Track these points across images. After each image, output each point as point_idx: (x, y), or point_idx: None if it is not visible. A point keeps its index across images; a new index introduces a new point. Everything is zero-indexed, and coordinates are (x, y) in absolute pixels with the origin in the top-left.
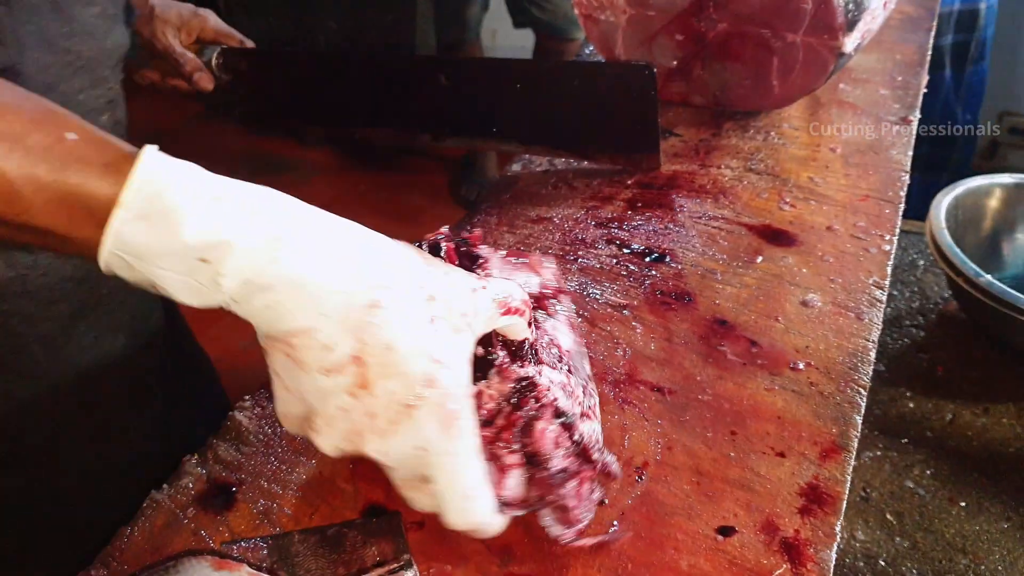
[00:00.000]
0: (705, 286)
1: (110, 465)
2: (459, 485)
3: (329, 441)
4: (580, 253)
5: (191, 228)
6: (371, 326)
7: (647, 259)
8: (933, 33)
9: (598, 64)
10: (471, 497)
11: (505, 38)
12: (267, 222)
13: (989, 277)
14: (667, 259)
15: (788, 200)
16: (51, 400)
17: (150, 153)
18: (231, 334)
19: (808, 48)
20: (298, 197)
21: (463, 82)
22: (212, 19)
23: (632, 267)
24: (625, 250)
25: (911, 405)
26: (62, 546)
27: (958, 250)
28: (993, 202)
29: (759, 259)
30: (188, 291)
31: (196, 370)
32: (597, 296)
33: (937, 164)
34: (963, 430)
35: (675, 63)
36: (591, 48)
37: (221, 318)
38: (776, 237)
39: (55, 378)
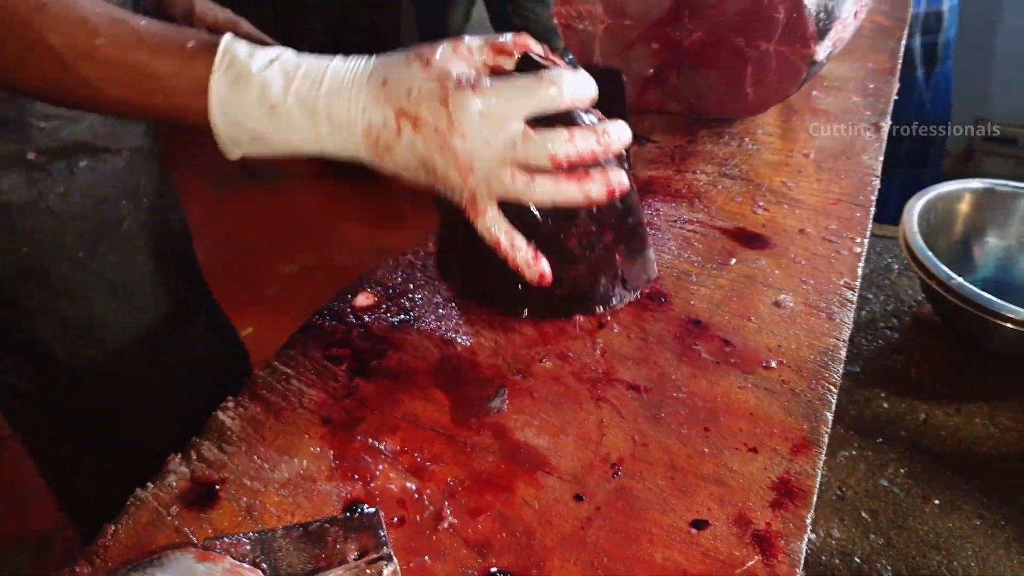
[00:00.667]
0: (680, 287)
1: (168, 377)
2: (513, 93)
3: (446, 170)
4: None
5: (260, 85)
6: (389, 90)
7: None
8: (904, 41)
9: None
10: (542, 87)
11: None
12: (303, 68)
13: (960, 280)
14: None
15: (762, 204)
16: (86, 315)
17: (226, 40)
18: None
19: (781, 56)
20: (283, 204)
21: None
22: (245, 25)
23: None
24: None
25: (885, 405)
26: (136, 458)
27: (930, 254)
28: (964, 206)
29: (733, 261)
30: (279, 135)
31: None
32: None
33: (917, 160)
34: (936, 430)
35: (651, 71)
36: (570, 57)
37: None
38: (749, 240)
39: (86, 291)
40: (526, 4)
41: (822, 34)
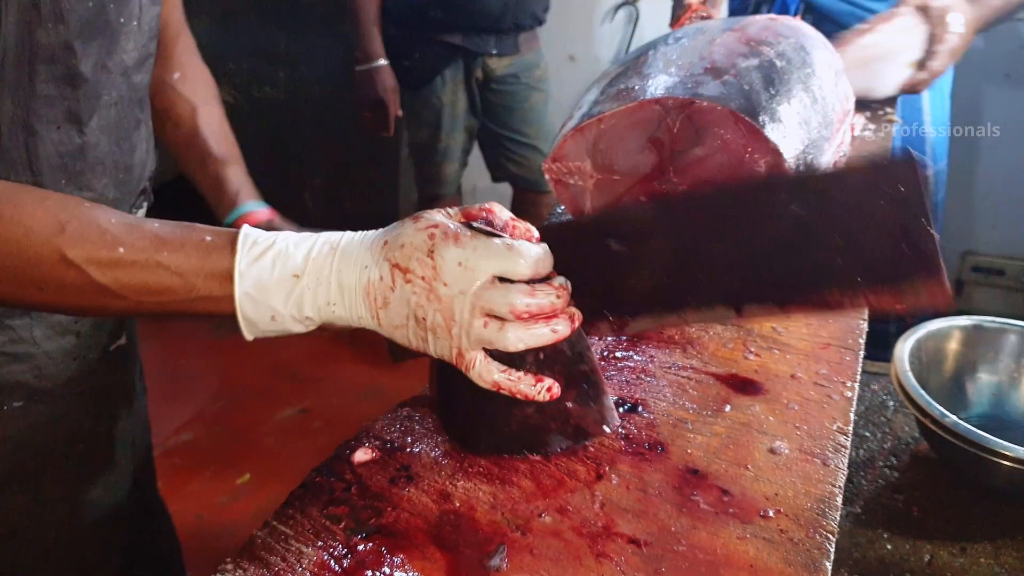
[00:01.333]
0: (677, 435)
1: None
2: (486, 253)
3: (432, 318)
4: None
5: (283, 258)
6: (387, 248)
7: (621, 410)
8: None
9: (829, 173)
10: (510, 252)
11: (484, 193)
12: (319, 243)
13: (954, 418)
14: (640, 409)
15: (753, 350)
16: None
17: (244, 228)
18: (211, 488)
19: None
20: (280, 349)
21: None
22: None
23: None
24: None
25: (889, 547)
26: None
27: (923, 392)
28: (953, 344)
29: (727, 408)
30: (295, 308)
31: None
32: (573, 447)
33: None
34: (942, 571)
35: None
36: (562, 207)
37: (199, 473)
38: (743, 386)
39: None
40: (519, 151)
41: None
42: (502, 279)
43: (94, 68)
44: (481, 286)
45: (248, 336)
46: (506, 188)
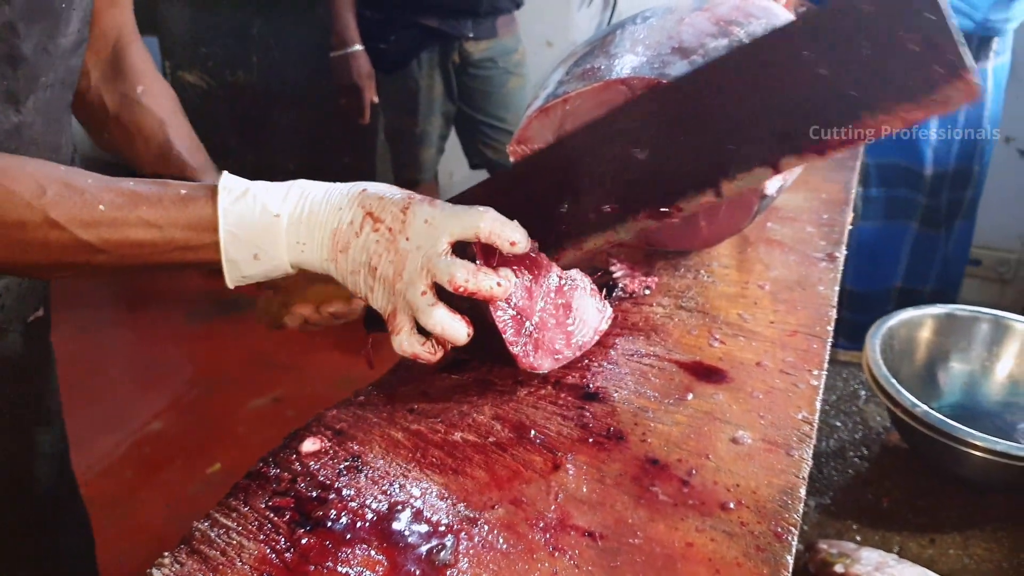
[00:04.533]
0: (637, 424)
1: None
2: (453, 215)
3: (385, 269)
4: (520, 393)
5: (263, 197)
6: (365, 195)
7: (581, 397)
8: (856, 175)
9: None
10: (474, 216)
11: (462, 179)
12: (294, 187)
13: (925, 407)
14: (599, 397)
15: (718, 337)
16: None
17: (225, 174)
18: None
19: None
20: (255, 336)
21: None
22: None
23: (567, 408)
24: (562, 391)
25: (859, 538)
26: None
27: (894, 381)
28: (925, 333)
29: (690, 396)
30: (274, 246)
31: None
32: (531, 438)
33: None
34: (911, 562)
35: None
36: None
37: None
38: (707, 374)
39: None
40: (497, 137)
41: None
42: (458, 253)
43: (35, 50)
44: (437, 250)
45: (230, 283)
46: (484, 175)
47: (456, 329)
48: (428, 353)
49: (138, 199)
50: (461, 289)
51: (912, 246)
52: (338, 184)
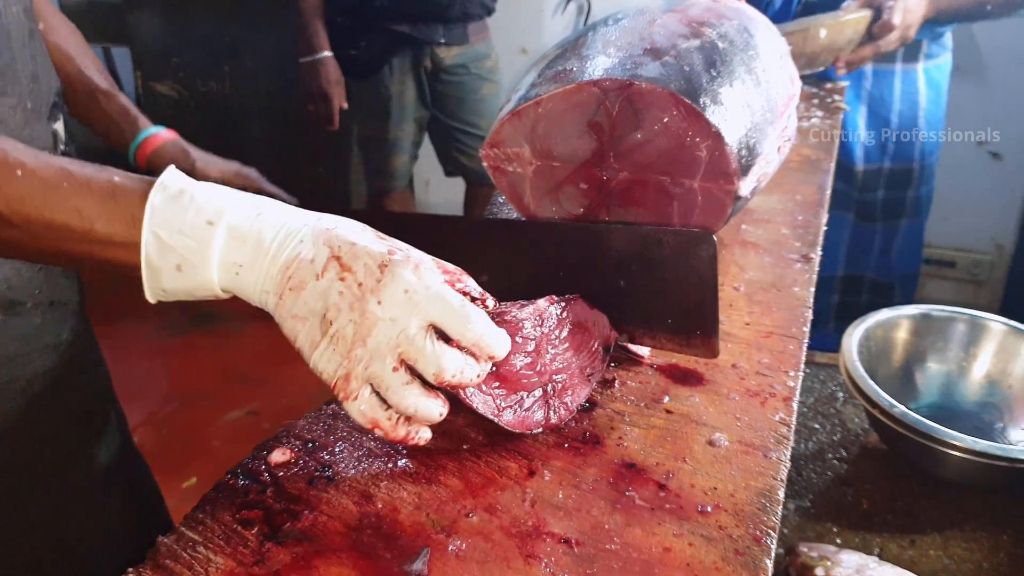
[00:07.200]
0: (614, 428)
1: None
2: (438, 298)
3: (343, 327)
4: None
5: (201, 201)
6: (335, 235)
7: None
8: (831, 177)
9: (658, 230)
10: (464, 314)
11: (438, 187)
12: (247, 199)
13: (903, 408)
14: None
15: None
16: None
17: (170, 168)
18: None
19: (706, 193)
20: (230, 349)
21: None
22: (255, 175)
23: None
24: None
25: (839, 540)
26: None
27: (872, 382)
28: (902, 333)
29: (666, 399)
30: (202, 259)
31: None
32: (506, 444)
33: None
34: (892, 564)
35: (581, 210)
36: (503, 198)
37: None
38: (683, 377)
39: None
40: (471, 143)
41: (745, 170)
42: (439, 333)
43: None
44: (418, 330)
45: (150, 295)
46: (460, 183)
47: (429, 410)
48: (389, 425)
49: (65, 177)
50: (446, 383)
51: (850, 235)
52: (300, 210)
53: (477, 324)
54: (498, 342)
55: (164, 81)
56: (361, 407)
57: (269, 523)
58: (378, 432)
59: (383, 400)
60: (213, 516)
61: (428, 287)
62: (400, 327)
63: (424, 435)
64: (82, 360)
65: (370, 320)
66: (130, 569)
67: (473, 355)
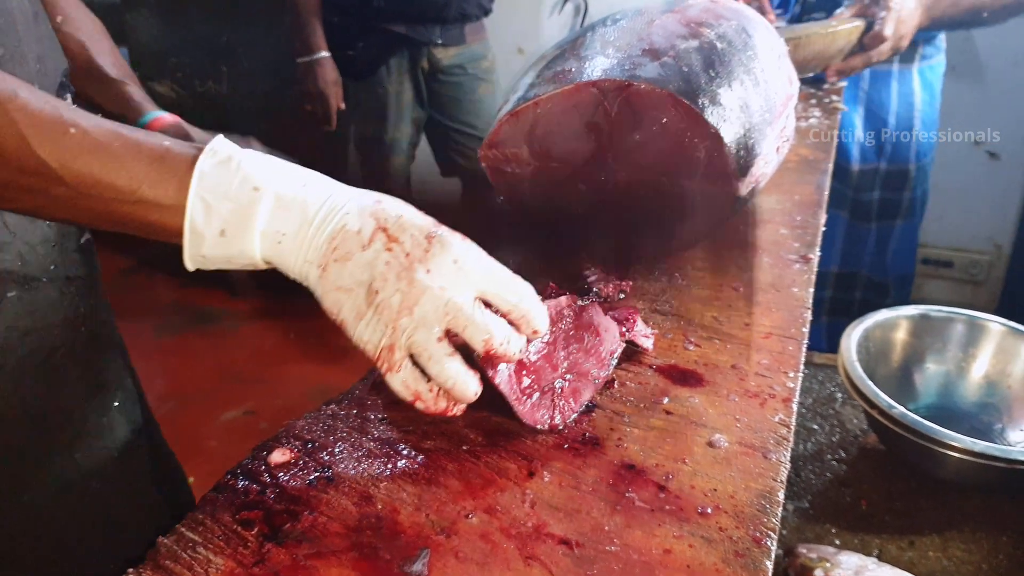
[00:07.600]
0: (613, 429)
1: (94, 523)
2: (488, 268)
3: (389, 296)
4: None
5: (248, 168)
6: (381, 207)
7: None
8: (830, 178)
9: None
10: (515, 284)
11: (435, 188)
12: (294, 170)
13: (902, 408)
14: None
15: (693, 340)
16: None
17: (219, 137)
18: None
19: (705, 194)
20: (227, 349)
21: None
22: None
23: None
24: None
25: (838, 542)
26: None
27: (870, 383)
28: (901, 334)
29: (666, 400)
30: (246, 225)
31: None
32: (506, 445)
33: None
34: (891, 565)
35: (580, 211)
36: (501, 198)
37: None
38: (682, 378)
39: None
40: (468, 144)
41: (743, 171)
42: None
43: None
44: (467, 297)
45: (188, 261)
46: (457, 183)
47: (467, 385)
48: (431, 397)
49: (116, 138)
50: (493, 352)
51: (845, 233)
52: (343, 184)
53: (527, 295)
54: (543, 316)
55: (162, 81)
56: (404, 378)
57: (269, 524)
58: (419, 404)
59: (423, 373)
60: (213, 517)
61: (478, 258)
62: (448, 295)
63: (459, 408)
64: (99, 333)
65: (418, 289)
66: (130, 569)
67: (516, 327)
